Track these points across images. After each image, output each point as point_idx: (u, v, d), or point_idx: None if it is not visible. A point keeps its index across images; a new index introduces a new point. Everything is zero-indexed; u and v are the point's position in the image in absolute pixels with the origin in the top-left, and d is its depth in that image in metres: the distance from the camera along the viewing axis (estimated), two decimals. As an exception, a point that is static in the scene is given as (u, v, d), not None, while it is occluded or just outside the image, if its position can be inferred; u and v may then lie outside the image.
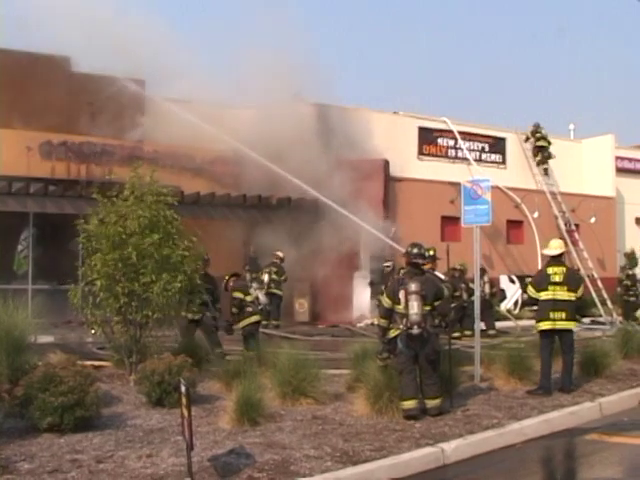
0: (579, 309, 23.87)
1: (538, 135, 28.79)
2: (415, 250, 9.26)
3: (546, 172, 28.63)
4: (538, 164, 28.61)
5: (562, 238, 26.59)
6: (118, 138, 20.98)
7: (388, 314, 9.22)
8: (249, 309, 13.43)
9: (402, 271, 9.70)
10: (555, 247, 11.17)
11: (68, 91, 21.24)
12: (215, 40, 23.17)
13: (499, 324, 20.04)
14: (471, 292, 19.85)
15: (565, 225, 27.21)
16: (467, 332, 18.41)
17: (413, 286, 8.81)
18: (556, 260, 11.00)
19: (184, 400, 6.52)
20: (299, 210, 21.83)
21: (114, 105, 20.78)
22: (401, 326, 8.88)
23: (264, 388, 9.66)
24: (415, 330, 8.69)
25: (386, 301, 9.24)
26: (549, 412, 9.24)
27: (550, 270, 10.83)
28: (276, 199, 21.81)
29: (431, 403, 8.94)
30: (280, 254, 20.84)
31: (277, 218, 21.95)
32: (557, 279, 10.76)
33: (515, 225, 26.59)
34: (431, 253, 12.40)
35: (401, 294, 8.88)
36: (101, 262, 10.63)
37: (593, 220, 27.45)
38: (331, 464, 7.04)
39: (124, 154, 21.36)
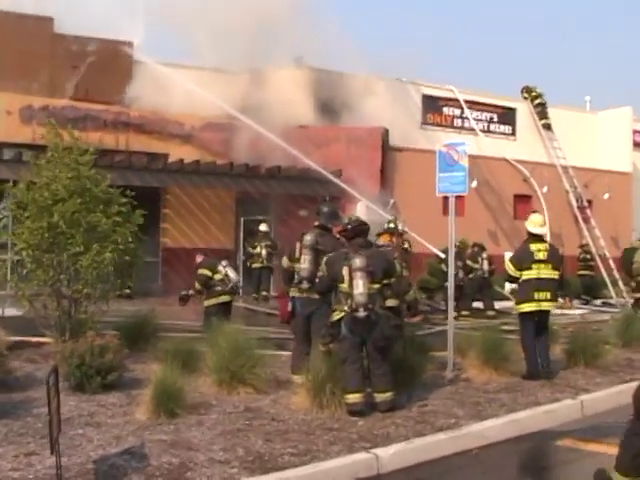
0: (591, 290, 22.77)
1: (534, 94, 27.47)
2: (351, 220, 8.05)
3: (549, 127, 27.18)
4: (544, 127, 27.25)
5: (573, 215, 25.60)
6: (103, 103, 20.21)
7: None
8: (218, 288, 12.87)
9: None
10: (541, 224, 10.22)
11: (51, 53, 20.51)
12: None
13: (500, 304, 18.84)
14: (468, 270, 18.71)
15: (576, 201, 25.76)
16: (464, 312, 17.40)
17: (358, 262, 7.48)
18: (537, 236, 9.96)
19: (51, 392, 5.40)
20: (290, 180, 20.74)
21: (100, 68, 20.15)
22: (345, 308, 7.63)
23: (201, 373, 8.65)
24: (361, 313, 7.43)
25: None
26: (519, 411, 7.95)
27: (533, 247, 9.84)
28: (265, 168, 20.64)
29: (381, 397, 7.68)
30: (262, 228, 19.92)
31: (267, 188, 20.93)
32: (541, 256, 9.80)
33: (523, 200, 25.05)
34: (391, 226, 11.18)
35: (344, 271, 7.63)
36: (28, 231, 9.54)
37: (607, 196, 25.94)
38: (236, 471, 5.88)
39: (109, 119, 20.54)
